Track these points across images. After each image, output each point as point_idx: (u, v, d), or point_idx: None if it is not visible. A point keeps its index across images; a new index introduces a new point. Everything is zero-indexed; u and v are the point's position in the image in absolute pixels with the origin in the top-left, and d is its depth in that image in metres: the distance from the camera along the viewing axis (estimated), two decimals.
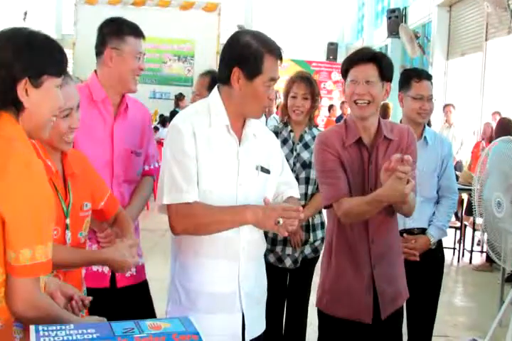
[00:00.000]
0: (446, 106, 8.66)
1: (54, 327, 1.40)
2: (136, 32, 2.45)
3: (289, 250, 3.06)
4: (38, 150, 1.77)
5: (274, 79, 1.92)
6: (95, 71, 2.46)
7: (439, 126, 8.87)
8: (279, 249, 3.05)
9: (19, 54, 1.42)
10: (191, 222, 1.89)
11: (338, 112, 12.24)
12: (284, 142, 3.09)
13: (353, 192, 2.29)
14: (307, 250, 3.12)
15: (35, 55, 1.44)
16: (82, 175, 1.93)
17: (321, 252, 3.19)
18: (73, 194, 1.85)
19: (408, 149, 2.32)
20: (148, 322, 1.46)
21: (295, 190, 2.18)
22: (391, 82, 2.32)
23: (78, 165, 1.93)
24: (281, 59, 1.94)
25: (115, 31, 2.41)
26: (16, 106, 1.44)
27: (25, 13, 16.91)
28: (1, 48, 1.43)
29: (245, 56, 1.89)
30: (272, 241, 3.04)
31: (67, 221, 1.80)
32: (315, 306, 2.46)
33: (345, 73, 2.32)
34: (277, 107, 6.85)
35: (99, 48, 2.42)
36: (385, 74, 2.26)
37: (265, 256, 2.96)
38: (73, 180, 1.88)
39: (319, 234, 3.16)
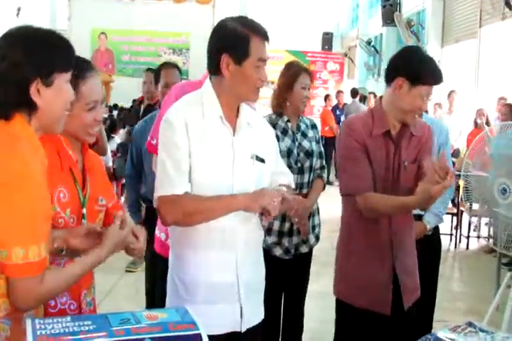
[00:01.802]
0: (451, 92, 8.67)
1: (50, 320, 1.41)
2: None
3: (295, 240, 3.06)
4: (60, 139, 1.79)
5: (262, 60, 1.92)
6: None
7: (431, 112, 8.89)
8: (285, 240, 3.04)
9: (30, 55, 1.43)
10: (180, 211, 1.89)
11: (334, 102, 12.23)
12: (284, 133, 3.07)
13: (377, 181, 2.31)
14: (311, 239, 3.13)
15: (45, 54, 1.45)
16: (98, 173, 1.94)
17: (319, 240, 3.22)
18: (91, 186, 1.86)
19: (426, 145, 2.42)
20: (144, 313, 1.48)
21: (288, 179, 2.18)
22: None
23: (95, 163, 1.95)
24: (267, 39, 1.94)
25: None
26: (29, 106, 1.45)
27: (19, 9, 16.84)
28: (12, 50, 1.43)
29: (231, 41, 1.89)
30: (278, 233, 3.03)
31: (84, 211, 1.80)
32: (335, 295, 2.47)
33: (417, 81, 2.26)
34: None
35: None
36: None
37: (271, 249, 2.99)
38: (91, 174, 1.89)
39: (316, 219, 3.17)
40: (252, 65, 1.90)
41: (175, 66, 3.67)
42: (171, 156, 1.90)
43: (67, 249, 1.67)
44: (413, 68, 2.26)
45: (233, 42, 1.89)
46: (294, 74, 3.06)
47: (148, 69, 4.97)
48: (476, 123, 7.53)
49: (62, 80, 1.49)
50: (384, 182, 2.32)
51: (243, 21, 1.93)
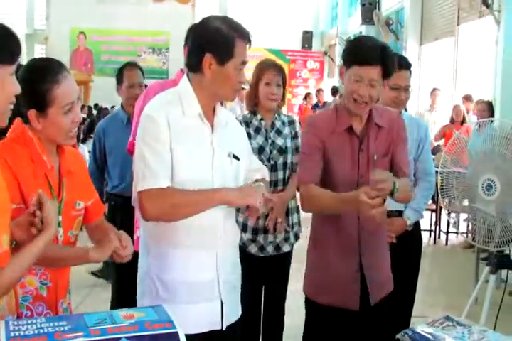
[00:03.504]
0: (434, 90, 8.77)
1: (25, 321, 1.40)
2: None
3: (270, 237, 3.06)
4: (35, 145, 1.76)
5: (244, 63, 1.95)
6: None
7: (413, 109, 8.96)
8: (260, 237, 3.04)
9: None
10: (165, 204, 1.85)
11: (314, 100, 12.29)
12: (257, 131, 3.08)
13: (343, 178, 2.29)
14: (290, 237, 3.13)
15: None
16: (77, 173, 1.91)
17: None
18: (67, 191, 1.83)
19: (397, 136, 2.35)
20: (121, 312, 1.47)
21: (262, 173, 2.21)
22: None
23: (74, 163, 1.92)
24: (250, 43, 1.96)
25: None
26: None
27: None
28: None
29: (216, 41, 1.89)
30: (253, 230, 3.03)
31: (59, 218, 1.76)
32: (303, 293, 2.44)
33: (347, 63, 2.25)
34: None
35: None
36: (388, 74, 2.24)
37: (246, 246, 2.99)
38: (69, 178, 1.86)
39: (295, 218, 3.17)
40: (235, 66, 1.92)
41: (137, 66, 3.71)
42: (154, 150, 1.88)
43: (17, 241, 1.62)
44: (346, 49, 2.28)
45: (218, 42, 1.89)
46: (259, 71, 3.08)
47: None
48: (452, 119, 7.59)
49: (6, 73, 1.44)
50: (350, 177, 2.29)
51: (229, 22, 1.94)
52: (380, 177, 2.02)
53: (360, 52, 2.21)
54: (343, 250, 2.33)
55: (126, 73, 3.63)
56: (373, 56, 2.18)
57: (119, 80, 3.67)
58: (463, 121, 7.40)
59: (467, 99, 8.18)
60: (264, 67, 3.09)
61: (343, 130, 2.29)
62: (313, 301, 2.39)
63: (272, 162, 3.03)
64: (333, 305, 2.32)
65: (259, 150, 3.00)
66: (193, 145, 1.93)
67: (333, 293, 2.32)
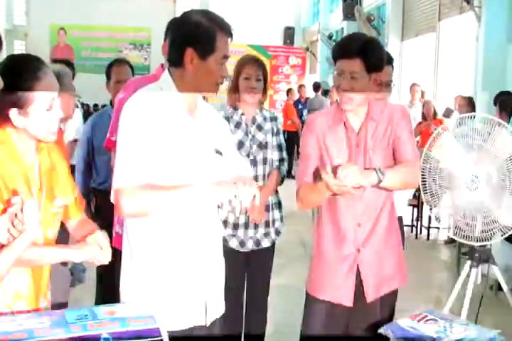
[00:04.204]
0: (413, 85, 8.80)
1: (5, 318, 1.39)
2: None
3: (251, 232, 3.07)
4: (13, 143, 1.73)
5: (226, 57, 1.94)
6: None
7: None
8: (241, 232, 3.05)
9: None
10: (139, 202, 1.85)
11: (296, 96, 12.30)
12: (238, 126, 3.08)
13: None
14: (271, 233, 3.14)
15: None
16: (57, 171, 1.89)
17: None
18: (47, 189, 1.81)
19: (398, 127, 2.31)
20: (102, 308, 1.47)
21: (244, 168, 2.21)
22: (381, 71, 2.28)
23: (55, 158, 1.89)
24: (231, 36, 1.94)
25: None
26: None
27: None
28: None
29: (198, 35, 1.88)
30: (233, 225, 3.04)
31: (39, 216, 1.72)
32: (305, 288, 2.46)
33: (334, 60, 2.29)
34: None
35: None
36: (373, 68, 2.22)
37: (226, 241, 2.99)
38: (48, 175, 1.83)
39: (276, 214, 3.17)
40: (216, 60, 1.90)
41: (126, 63, 3.71)
42: (133, 147, 1.87)
43: None
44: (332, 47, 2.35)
45: (199, 36, 1.87)
46: (239, 66, 3.10)
47: None
48: (423, 115, 7.62)
49: None
50: None
51: (210, 16, 1.92)
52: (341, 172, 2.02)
53: (339, 47, 2.27)
54: (340, 246, 2.34)
55: (114, 69, 3.68)
56: (350, 48, 2.21)
57: (108, 76, 3.70)
58: (435, 116, 7.43)
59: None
60: (244, 61, 3.11)
61: (337, 126, 2.31)
62: (311, 296, 2.41)
63: (251, 157, 3.04)
64: (329, 300, 2.34)
65: (239, 145, 3.01)
66: (175, 140, 1.91)
67: (329, 288, 2.35)
